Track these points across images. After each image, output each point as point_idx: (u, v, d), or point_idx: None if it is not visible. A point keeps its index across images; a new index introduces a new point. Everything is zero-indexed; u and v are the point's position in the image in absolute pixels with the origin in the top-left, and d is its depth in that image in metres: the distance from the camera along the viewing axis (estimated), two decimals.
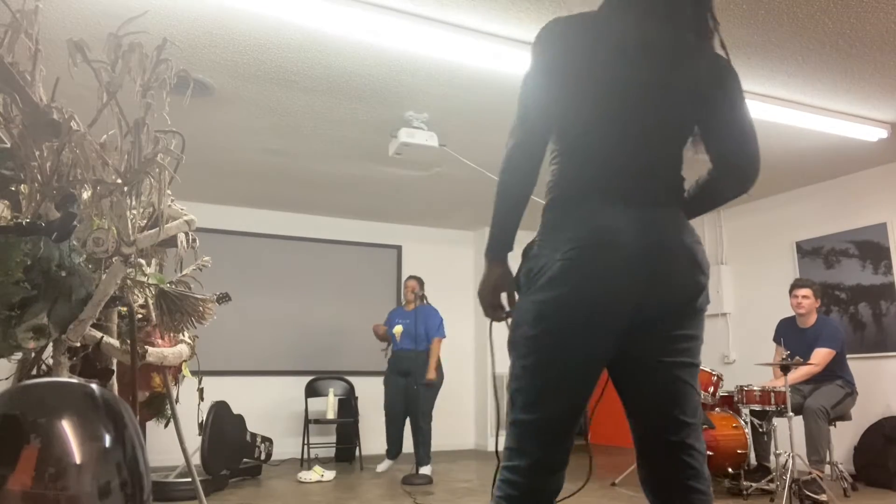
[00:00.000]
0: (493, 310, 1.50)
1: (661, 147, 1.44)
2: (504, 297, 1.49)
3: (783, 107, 4.03)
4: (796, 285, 4.63)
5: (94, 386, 1.59)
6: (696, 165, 1.57)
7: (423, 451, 5.04)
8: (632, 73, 1.38)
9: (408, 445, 5.33)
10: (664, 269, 1.37)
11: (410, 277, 5.56)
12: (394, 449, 5.30)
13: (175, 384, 2.81)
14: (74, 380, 1.71)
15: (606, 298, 1.34)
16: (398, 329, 5.33)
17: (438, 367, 5.22)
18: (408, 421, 5.26)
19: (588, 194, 1.39)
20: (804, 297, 4.54)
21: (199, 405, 3.18)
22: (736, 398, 4.43)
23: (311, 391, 6.10)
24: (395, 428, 5.28)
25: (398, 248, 7.29)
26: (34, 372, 2.16)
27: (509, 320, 1.48)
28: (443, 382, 5.24)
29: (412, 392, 5.11)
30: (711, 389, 4.48)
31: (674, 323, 1.41)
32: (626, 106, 1.39)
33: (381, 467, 5.28)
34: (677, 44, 1.42)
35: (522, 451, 1.38)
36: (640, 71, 1.38)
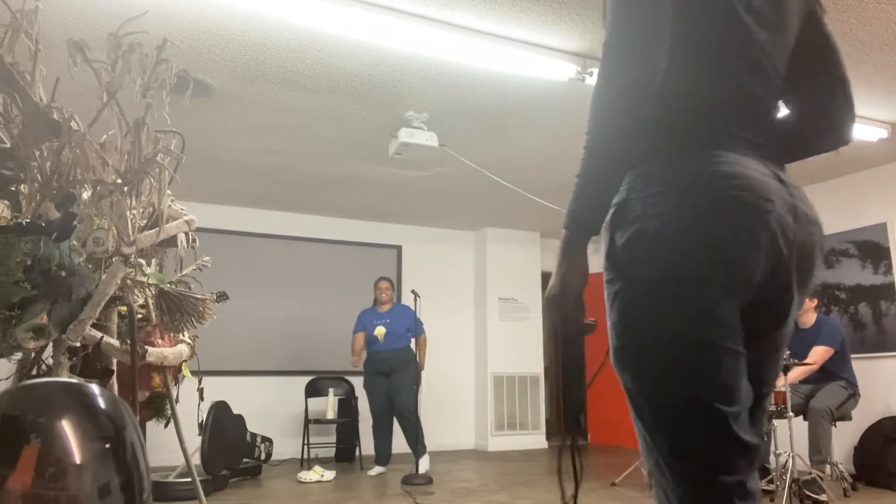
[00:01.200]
0: (575, 322, 1.03)
1: (772, 92, 1.15)
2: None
3: None
4: None
5: (94, 386, 1.59)
6: None
7: (415, 443, 5.06)
8: (738, 7, 1.10)
9: (403, 446, 5.33)
10: (804, 247, 1.06)
11: (382, 279, 5.59)
12: (383, 454, 5.30)
13: (175, 384, 2.81)
14: (74, 380, 1.71)
15: (752, 272, 1.00)
16: (381, 330, 5.34)
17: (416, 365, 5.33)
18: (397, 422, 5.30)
19: (707, 137, 1.04)
20: None
21: (199, 405, 3.19)
22: None
23: (311, 391, 6.10)
24: (382, 431, 5.30)
25: (398, 248, 7.29)
26: (34, 372, 2.16)
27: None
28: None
29: (396, 390, 5.17)
30: None
31: (779, 326, 1.11)
32: (739, 37, 1.10)
33: (372, 472, 5.28)
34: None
35: (708, 486, 1.01)
36: (749, 7, 1.12)
